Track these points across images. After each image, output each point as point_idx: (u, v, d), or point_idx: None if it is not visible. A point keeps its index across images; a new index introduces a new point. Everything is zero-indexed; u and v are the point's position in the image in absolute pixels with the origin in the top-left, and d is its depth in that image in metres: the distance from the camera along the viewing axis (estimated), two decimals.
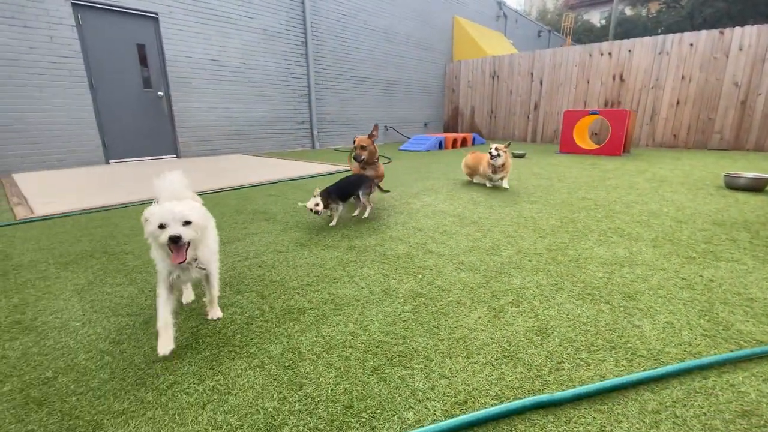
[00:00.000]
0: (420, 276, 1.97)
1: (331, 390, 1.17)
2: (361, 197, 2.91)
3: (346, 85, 9.88)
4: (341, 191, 2.86)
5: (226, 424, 1.05)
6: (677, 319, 1.54)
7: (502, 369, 1.25)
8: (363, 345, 1.39)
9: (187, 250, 1.29)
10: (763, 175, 3.88)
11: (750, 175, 3.92)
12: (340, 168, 5.84)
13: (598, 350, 1.34)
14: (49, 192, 4.22)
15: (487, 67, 11.52)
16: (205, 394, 1.16)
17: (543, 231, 2.67)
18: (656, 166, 5.77)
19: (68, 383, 1.22)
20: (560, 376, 1.21)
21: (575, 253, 2.25)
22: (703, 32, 8.11)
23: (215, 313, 1.60)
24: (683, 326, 1.48)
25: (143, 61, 6.62)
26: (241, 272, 2.06)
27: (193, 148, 7.40)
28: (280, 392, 1.16)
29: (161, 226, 1.26)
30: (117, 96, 6.42)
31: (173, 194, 1.43)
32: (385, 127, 11.21)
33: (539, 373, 1.23)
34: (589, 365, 1.26)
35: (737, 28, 7.73)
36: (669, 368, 1.21)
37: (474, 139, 10.13)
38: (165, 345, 1.29)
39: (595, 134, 9.50)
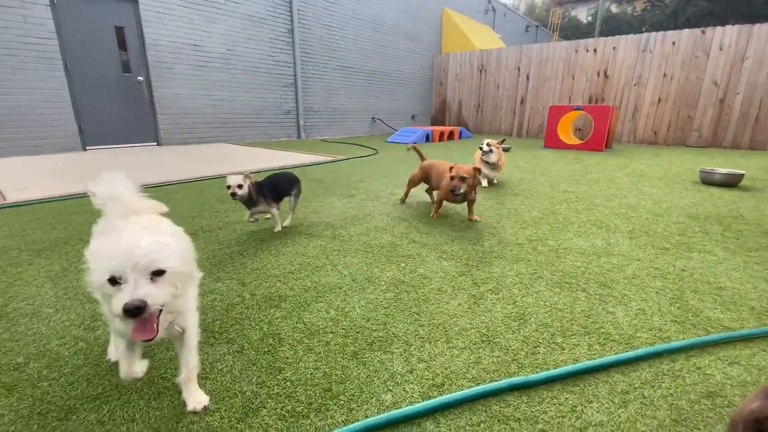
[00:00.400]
0: (403, 264, 1.98)
1: (311, 374, 1.17)
2: (292, 200, 2.52)
3: (332, 75, 9.75)
4: (276, 188, 2.39)
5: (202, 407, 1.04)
6: (649, 306, 1.59)
7: (479, 353, 1.27)
8: (344, 331, 1.40)
9: (159, 316, 0.83)
10: (737, 171, 4.01)
11: (724, 171, 4.04)
12: (326, 158, 5.79)
13: (572, 335, 1.38)
14: (23, 178, 4.07)
15: (475, 61, 11.52)
16: None
17: (525, 222, 2.71)
18: (636, 161, 5.90)
19: (40, 369, 1.19)
20: (535, 359, 1.24)
21: (555, 244, 2.29)
22: (686, 31, 8.26)
23: (195, 398, 1.02)
24: (654, 313, 1.53)
25: (122, 44, 6.40)
26: (222, 260, 2.04)
27: (175, 136, 7.22)
28: (259, 376, 1.16)
29: (113, 281, 0.77)
30: (94, 80, 6.20)
31: (127, 206, 1.01)
32: (372, 118, 11.15)
33: (515, 357, 1.25)
34: (563, 349, 1.30)
35: (719, 28, 7.89)
36: (639, 352, 1.25)
37: (461, 133, 10.16)
38: (130, 370, 0.96)
39: (579, 129, 9.64)
